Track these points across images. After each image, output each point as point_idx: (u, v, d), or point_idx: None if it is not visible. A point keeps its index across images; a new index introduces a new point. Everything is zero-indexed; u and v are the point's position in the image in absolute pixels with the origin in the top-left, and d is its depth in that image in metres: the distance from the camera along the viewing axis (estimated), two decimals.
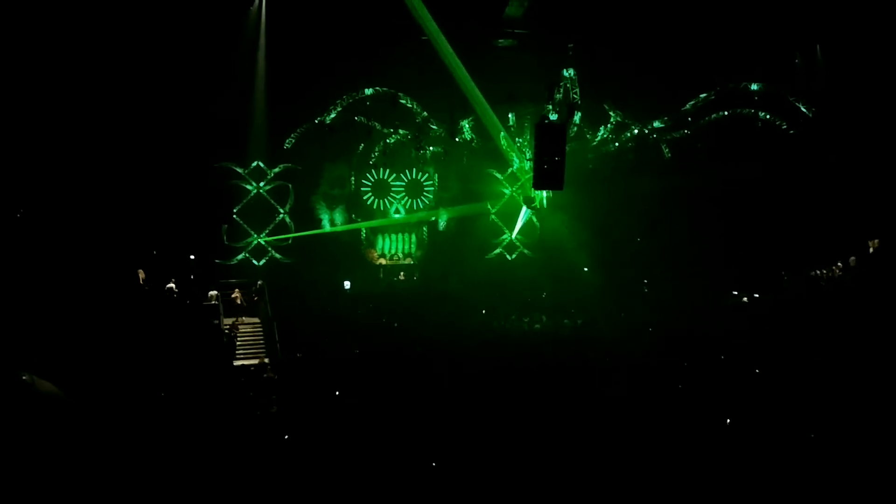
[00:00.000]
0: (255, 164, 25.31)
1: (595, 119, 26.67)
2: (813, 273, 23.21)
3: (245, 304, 22.74)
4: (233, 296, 22.51)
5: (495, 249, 29.34)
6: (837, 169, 24.38)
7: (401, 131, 25.92)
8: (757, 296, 23.72)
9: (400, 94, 24.65)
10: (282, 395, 18.91)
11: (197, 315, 20.32)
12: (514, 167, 27.98)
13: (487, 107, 24.60)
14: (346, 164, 27.40)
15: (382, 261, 28.17)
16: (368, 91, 24.30)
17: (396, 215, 28.22)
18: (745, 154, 25.50)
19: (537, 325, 23.59)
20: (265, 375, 19.36)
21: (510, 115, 26.74)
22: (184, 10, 18.88)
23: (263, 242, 25.68)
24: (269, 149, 25.05)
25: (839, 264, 22.96)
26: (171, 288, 20.83)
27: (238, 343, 20.70)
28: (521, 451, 14.91)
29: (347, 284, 26.26)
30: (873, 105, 22.94)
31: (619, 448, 15.16)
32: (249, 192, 25.41)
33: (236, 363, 19.72)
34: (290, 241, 26.01)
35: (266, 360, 20.12)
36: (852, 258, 22.13)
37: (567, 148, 19.80)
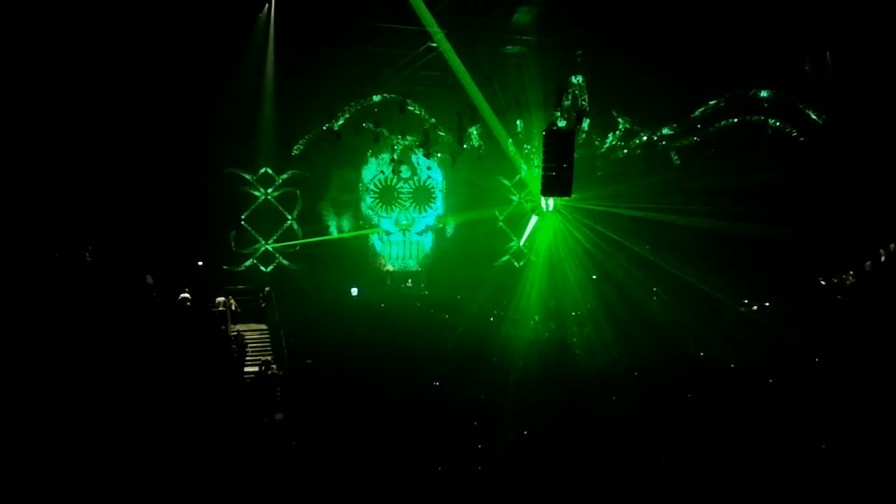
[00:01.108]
0: (263, 170, 25.32)
1: (603, 126, 26.59)
2: (823, 282, 23.02)
3: (239, 309, 22.48)
4: (230, 303, 22.23)
5: (503, 256, 29.27)
6: (848, 175, 24.20)
7: (409, 138, 25.91)
8: (767, 304, 23.57)
9: (408, 100, 24.64)
10: (288, 400, 18.90)
11: (206, 322, 20.29)
12: (523, 174, 27.92)
13: (496, 113, 24.54)
14: (354, 171, 27.42)
15: (390, 268, 28.15)
16: (376, 97, 24.30)
17: (404, 222, 28.20)
18: (755, 161, 25.35)
19: (546, 334, 23.51)
20: (269, 373, 19.41)
21: (518, 122, 26.69)
22: (192, 16, 18.91)
23: (271, 249, 25.68)
24: (278, 155, 25.07)
25: (851, 272, 22.76)
26: (186, 297, 20.82)
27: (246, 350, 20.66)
28: (524, 459, 14.84)
29: (355, 291, 26.23)
30: (885, 111, 22.77)
31: (626, 459, 15.06)
32: (257, 198, 25.42)
33: (246, 369, 19.72)
34: (297, 248, 26.00)
35: (269, 358, 20.13)
36: (868, 263, 21.94)
37: (575, 155, 19.72)
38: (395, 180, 27.93)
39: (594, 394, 18.78)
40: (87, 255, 19.91)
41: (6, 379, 13.43)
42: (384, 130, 25.23)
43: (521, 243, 29.28)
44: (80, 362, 14.81)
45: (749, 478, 14.03)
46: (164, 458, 13.13)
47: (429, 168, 28.04)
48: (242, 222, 25.24)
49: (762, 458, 14.73)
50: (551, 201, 27.38)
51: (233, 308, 22.13)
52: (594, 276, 27.46)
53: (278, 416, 18.47)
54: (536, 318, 24.71)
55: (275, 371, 19.54)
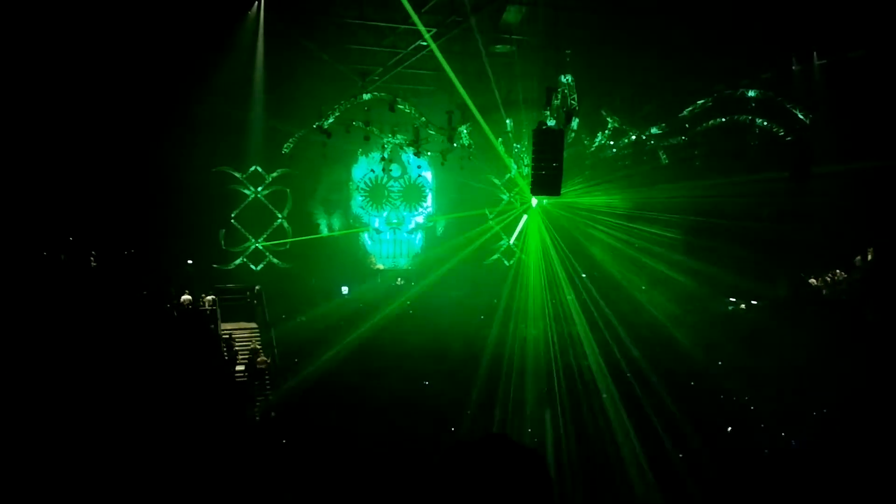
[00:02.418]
0: (253, 168, 25.29)
1: (593, 125, 26.69)
2: (811, 280, 23.22)
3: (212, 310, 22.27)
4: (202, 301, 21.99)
5: (493, 255, 29.32)
6: (834, 174, 24.39)
7: (399, 136, 25.90)
8: (754, 302, 23.76)
9: (398, 99, 24.64)
10: (278, 399, 18.91)
11: (195, 322, 20.22)
12: (513, 173, 27.99)
13: (485, 112, 24.57)
14: (345, 169, 27.40)
15: (380, 266, 28.16)
16: (366, 96, 24.27)
17: (394, 220, 28.22)
18: (742, 160, 25.53)
19: (534, 331, 23.61)
20: (259, 359, 19.47)
21: (508, 121, 26.73)
22: (181, 14, 18.85)
23: (261, 247, 25.64)
24: (267, 154, 25.03)
25: (837, 271, 22.99)
26: (189, 300, 20.76)
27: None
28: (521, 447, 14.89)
29: (345, 290, 26.22)
30: (871, 110, 22.95)
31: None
32: (247, 196, 25.38)
33: (237, 368, 19.74)
34: (287, 246, 25.98)
35: (259, 346, 20.16)
36: (857, 258, 22.21)
37: (565, 154, 19.80)
38: (385, 179, 27.94)
39: (583, 390, 18.92)
40: (92, 259, 19.92)
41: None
42: (374, 129, 25.19)
43: (512, 242, 29.36)
44: (66, 360, 14.77)
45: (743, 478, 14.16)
46: (152, 459, 13.11)
47: (419, 167, 28.07)
48: (232, 220, 25.20)
49: (754, 458, 14.88)
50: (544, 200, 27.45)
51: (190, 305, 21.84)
52: (584, 275, 27.60)
53: (273, 415, 18.48)
54: (526, 315, 24.81)
55: (264, 359, 19.66)
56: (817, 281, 23.24)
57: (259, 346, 20.17)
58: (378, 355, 20.37)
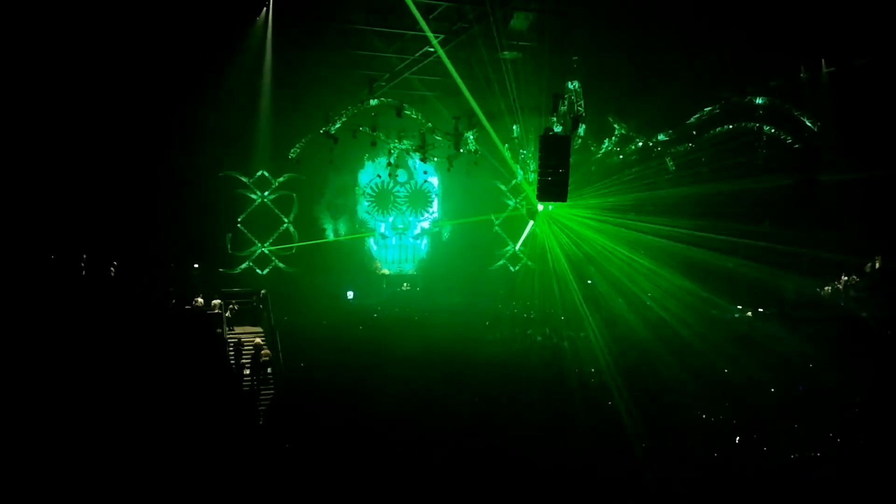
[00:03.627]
0: (259, 173, 25.36)
1: (599, 131, 26.69)
2: (826, 288, 23.15)
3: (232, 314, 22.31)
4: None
5: (499, 261, 29.30)
6: (842, 182, 24.34)
7: (405, 142, 25.95)
8: (761, 310, 23.67)
9: (405, 104, 24.69)
10: (282, 405, 18.87)
11: (204, 327, 20.18)
12: (519, 178, 27.99)
13: (492, 118, 24.61)
14: (351, 174, 27.46)
15: (386, 271, 28.18)
16: (373, 101, 24.32)
17: (400, 225, 28.25)
18: (750, 167, 25.50)
19: (539, 338, 23.54)
20: (263, 352, 19.46)
21: (514, 127, 26.74)
22: (190, 19, 18.96)
23: (267, 251, 25.69)
24: (274, 158, 25.11)
25: (844, 278, 22.90)
26: (202, 303, 20.79)
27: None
28: (523, 455, 14.87)
29: (350, 294, 26.25)
30: (879, 117, 22.89)
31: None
32: (254, 201, 25.44)
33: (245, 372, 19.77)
34: (293, 251, 26.03)
35: (262, 341, 20.16)
36: (868, 265, 22.18)
37: (571, 160, 19.82)
38: (391, 184, 27.97)
39: (588, 399, 18.83)
40: (112, 269, 20.01)
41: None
42: (381, 134, 25.24)
43: (517, 248, 29.32)
44: (74, 363, 14.77)
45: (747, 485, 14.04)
46: (158, 467, 13.07)
47: (425, 172, 28.11)
48: (238, 225, 25.26)
49: (758, 467, 14.77)
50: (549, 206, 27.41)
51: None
52: (589, 281, 27.54)
53: (276, 419, 18.44)
54: (532, 321, 24.77)
55: (267, 352, 19.70)
56: (829, 287, 23.17)
57: (263, 342, 20.21)
58: (381, 360, 20.33)
